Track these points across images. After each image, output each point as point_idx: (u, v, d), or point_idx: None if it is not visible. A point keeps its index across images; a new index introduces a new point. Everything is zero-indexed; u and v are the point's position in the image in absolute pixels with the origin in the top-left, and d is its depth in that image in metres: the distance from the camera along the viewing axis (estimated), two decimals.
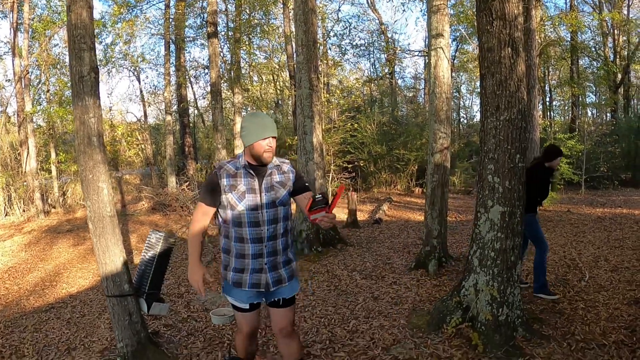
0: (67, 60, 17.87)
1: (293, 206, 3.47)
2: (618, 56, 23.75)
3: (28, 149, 16.02)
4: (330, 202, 2.87)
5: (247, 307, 3.24)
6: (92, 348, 4.99)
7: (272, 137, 3.07)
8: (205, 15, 18.01)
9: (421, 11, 28.44)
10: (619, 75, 23.48)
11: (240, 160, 3.14)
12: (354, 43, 26.57)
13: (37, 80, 18.29)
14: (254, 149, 3.06)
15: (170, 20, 19.03)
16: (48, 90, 18.08)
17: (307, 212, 2.90)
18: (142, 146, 23.77)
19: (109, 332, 5.37)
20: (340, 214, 13.26)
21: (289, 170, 3.26)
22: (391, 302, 5.79)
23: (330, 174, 17.11)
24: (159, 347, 4.51)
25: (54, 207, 16.39)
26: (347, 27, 25.75)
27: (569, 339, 4.30)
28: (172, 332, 5.16)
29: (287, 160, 3.33)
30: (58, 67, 18.07)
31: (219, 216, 3.21)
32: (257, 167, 3.13)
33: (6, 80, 19.88)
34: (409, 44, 55.74)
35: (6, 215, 15.27)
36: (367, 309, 5.56)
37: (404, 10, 43.86)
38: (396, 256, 8.40)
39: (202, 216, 3.17)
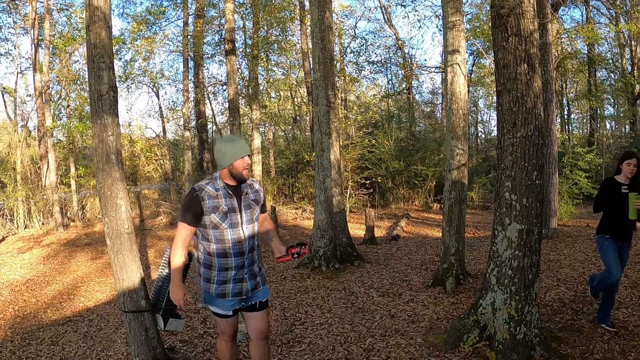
0: (87, 76, 18.20)
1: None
2: (636, 68, 23.51)
3: (48, 163, 16.25)
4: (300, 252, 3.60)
5: (231, 313, 3.53)
6: None
7: (248, 156, 3.39)
8: (224, 32, 18.20)
9: (437, 27, 28.44)
10: (637, 87, 23.24)
11: (217, 182, 3.39)
12: (371, 59, 26.62)
13: (58, 96, 18.56)
14: (234, 169, 3.33)
15: (189, 37, 19.22)
16: (68, 106, 18.32)
17: (276, 258, 3.64)
18: (161, 161, 23.94)
19: (126, 347, 5.39)
20: (358, 230, 13.25)
21: (259, 189, 3.60)
22: (408, 320, 5.76)
23: (348, 191, 17.10)
24: None
25: (73, 221, 16.55)
26: (363, 44, 25.82)
27: (588, 358, 4.26)
28: (188, 348, 5.17)
29: (254, 179, 3.68)
30: (78, 82, 18.28)
31: (199, 234, 3.45)
32: (234, 187, 3.42)
33: (27, 95, 20.26)
34: (425, 60, 55.74)
35: (25, 227, 15.47)
36: (384, 327, 5.52)
37: (419, 27, 44.01)
38: (413, 273, 8.35)
39: (186, 237, 3.42)
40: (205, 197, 3.32)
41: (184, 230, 3.38)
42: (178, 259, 3.40)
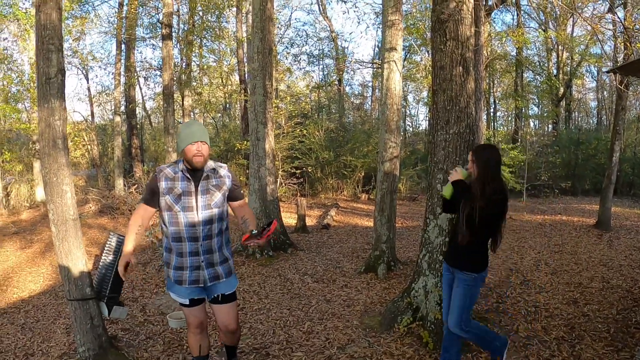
0: (15, 55, 17.43)
1: None
2: (561, 71, 24.74)
3: None
4: (263, 233, 3.29)
5: (187, 302, 3.50)
6: (50, 353, 4.96)
7: (202, 142, 3.35)
8: (159, 15, 17.90)
9: (374, 23, 28.94)
10: (561, 89, 24.46)
11: (179, 165, 3.42)
12: (306, 51, 26.83)
13: None
14: (185, 154, 3.36)
15: (123, 19, 18.77)
16: None
17: (243, 239, 3.28)
18: (89, 147, 23.30)
19: (66, 336, 5.35)
20: (289, 219, 13.41)
21: (225, 175, 3.53)
22: (343, 304, 6.01)
23: (279, 180, 17.22)
24: (120, 350, 4.54)
25: None
26: (302, 36, 25.95)
27: (513, 336, 4.62)
28: (130, 336, 5.19)
29: (224, 165, 3.61)
30: (5, 62, 17.53)
31: (161, 217, 3.48)
32: (194, 171, 3.41)
33: None
34: (356, 52, 56.30)
35: None
36: (321, 311, 5.76)
37: (359, 23, 44.56)
38: (346, 260, 8.62)
39: (142, 213, 3.47)
40: (162, 178, 3.38)
41: (140, 207, 3.47)
42: (130, 222, 3.45)
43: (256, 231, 3.31)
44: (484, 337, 3.73)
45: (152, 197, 3.41)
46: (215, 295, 3.54)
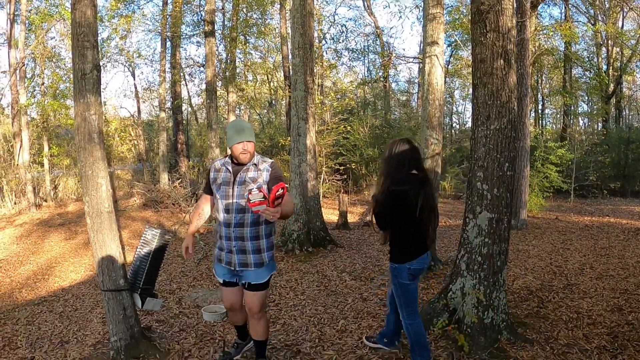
0: (62, 53, 17.89)
1: None
2: (611, 67, 23.91)
3: (21, 142, 16.00)
4: (267, 196, 3.06)
5: (221, 281, 3.86)
6: (85, 341, 5.06)
7: (247, 141, 3.60)
8: (202, 13, 18.05)
9: (417, 17, 28.66)
10: (611, 86, 23.66)
11: (227, 158, 3.80)
12: (349, 47, 26.66)
13: (32, 73, 18.25)
14: (232, 151, 3.65)
15: (167, 17, 19.05)
16: (43, 83, 18.02)
17: (248, 203, 3.12)
18: (135, 142, 23.78)
19: (102, 326, 5.45)
20: (331, 215, 13.37)
21: (264, 169, 3.69)
22: (380, 303, 5.89)
23: (322, 176, 17.19)
24: (152, 341, 4.57)
25: (46, 201, 16.36)
26: (343, 32, 25.84)
27: (552, 343, 4.42)
28: (164, 328, 5.24)
29: (268, 160, 3.79)
30: (53, 60, 18.01)
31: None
32: (237, 164, 3.70)
33: (1, 72, 19.85)
34: (404, 49, 55.83)
35: None
36: (356, 309, 5.66)
37: (400, 17, 44.19)
38: (385, 258, 8.46)
39: (202, 201, 4.03)
40: (211, 170, 3.82)
41: (202, 196, 4.05)
42: (194, 210, 4.11)
43: (255, 190, 3.12)
44: (417, 344, 3.87)
45: (206, 185, 3.89)
46: (243, 283, 3.78)
